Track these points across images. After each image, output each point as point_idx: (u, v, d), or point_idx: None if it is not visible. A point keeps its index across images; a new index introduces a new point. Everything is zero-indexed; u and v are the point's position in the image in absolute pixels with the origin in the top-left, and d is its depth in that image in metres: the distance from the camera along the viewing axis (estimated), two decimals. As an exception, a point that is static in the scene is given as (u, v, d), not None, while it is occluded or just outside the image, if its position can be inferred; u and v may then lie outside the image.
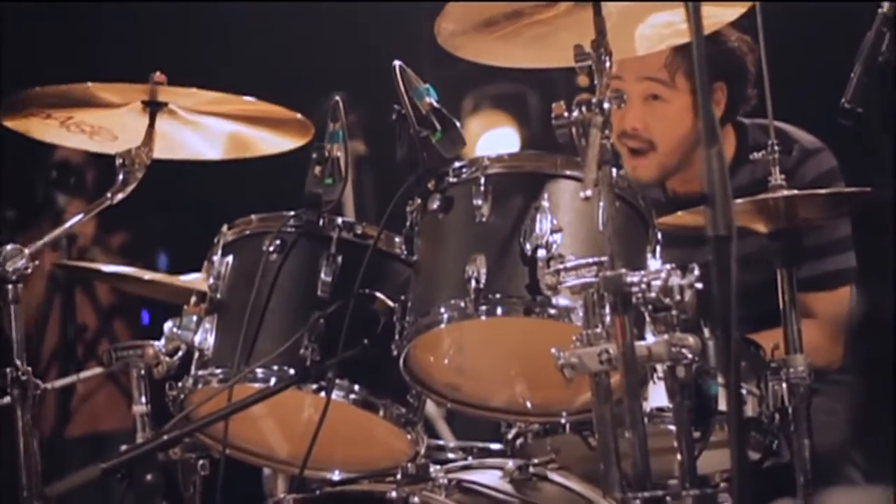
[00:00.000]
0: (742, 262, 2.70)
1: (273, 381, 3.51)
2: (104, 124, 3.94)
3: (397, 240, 3.55)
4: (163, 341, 3.71)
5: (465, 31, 3.50)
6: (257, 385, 3.53)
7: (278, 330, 3.55)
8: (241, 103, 3.85)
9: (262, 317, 3.56)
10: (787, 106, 3.88)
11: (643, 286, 3.11)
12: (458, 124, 3.50)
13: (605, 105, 3.17)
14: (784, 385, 3.63)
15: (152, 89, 3.82)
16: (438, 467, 3.58)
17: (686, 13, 2.78)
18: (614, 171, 3.20)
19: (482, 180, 3.40)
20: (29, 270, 3.73)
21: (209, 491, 3.79)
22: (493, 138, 7.05)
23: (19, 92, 3.83)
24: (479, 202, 3.38)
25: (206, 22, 6.45)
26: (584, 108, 3.18)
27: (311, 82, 5.83)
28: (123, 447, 3.50)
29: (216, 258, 3.69)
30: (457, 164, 3.45)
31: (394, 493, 3.42)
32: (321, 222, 3.60)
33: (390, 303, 3.51)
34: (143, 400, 3.84)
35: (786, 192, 3.65)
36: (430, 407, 4.44)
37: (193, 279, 3.78)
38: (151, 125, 3.86)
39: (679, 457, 3.17)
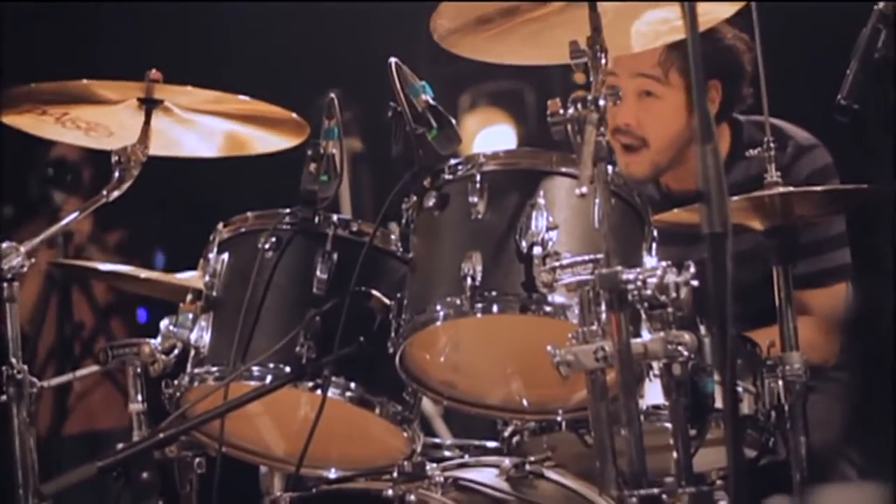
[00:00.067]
0: (738, 260, 2.70)
1: (269, 378, 3.51)
2: (100, 121, 3.94)
3: (393, 237, 3.55)
4: (159, 339, 3.71)
5: (461, 28, 3.50)
6: (253, 383, 3.53)
7: (274, 327, 3.55)
8: (236, 102, 3.85)
9: (257, 314, 3.56)
10: (782, 102, 3.88)
11: (639, 283, 3.11)
12: (453, 121, 3.50)
13: (601, 102, 3.17)
14: (780, 382, 3.64)
15: (148, 87, 3.82)
16: (435, 465, 3.57)
17: (681, 11, 2.78)
18: (610, 168, 3.20)
19: (478, 177, 3.40)
20: (25, 268, 3.72)
21: (205, 489, 3.79)
22: (490, 135, 7.05)
23: (15, 87, 3.83)
24: (475, 199, 3.38)
25: (203, 21, 6.45)
26: (579, 105, 3.18)
27: (307, 80, 5.82)
28: (120, 445, 3.50)
29: (212, 256, 3.69)
30: (453, 162, 3.45)
31: (390, 491, 3.42)
32: (317, 219, 3.60)
33: (386, 300, 3.51)
34: (140, 398, 3.84)
35: (781, 189, 3.65)
36: (428, 405, 4.45)
37: (190, 277, 3.78)
38: (147, 122, 3.86)
39: (675, 454, 3.17)
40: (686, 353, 3.12)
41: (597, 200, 3.19)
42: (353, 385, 3.53)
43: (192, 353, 3.63)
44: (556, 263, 3.22)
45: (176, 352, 3.69)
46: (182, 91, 3.83)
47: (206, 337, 3.62)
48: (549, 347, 3.16)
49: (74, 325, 6.49)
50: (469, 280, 3.31)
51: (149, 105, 3.86)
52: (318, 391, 3.50)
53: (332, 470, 3.74)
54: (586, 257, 3.18)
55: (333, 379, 3.50)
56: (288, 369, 3.51)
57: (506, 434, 3.74)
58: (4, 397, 3.72)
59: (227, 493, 3.59)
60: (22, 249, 3.73)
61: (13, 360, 3.70)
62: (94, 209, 3.88)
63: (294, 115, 3.85)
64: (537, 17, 3.45)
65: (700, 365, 3.31)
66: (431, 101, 3.49)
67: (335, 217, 3.61)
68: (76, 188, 6.43)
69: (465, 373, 3.56)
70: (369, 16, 6.47)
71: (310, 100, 3.95)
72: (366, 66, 3.99)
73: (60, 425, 6.43)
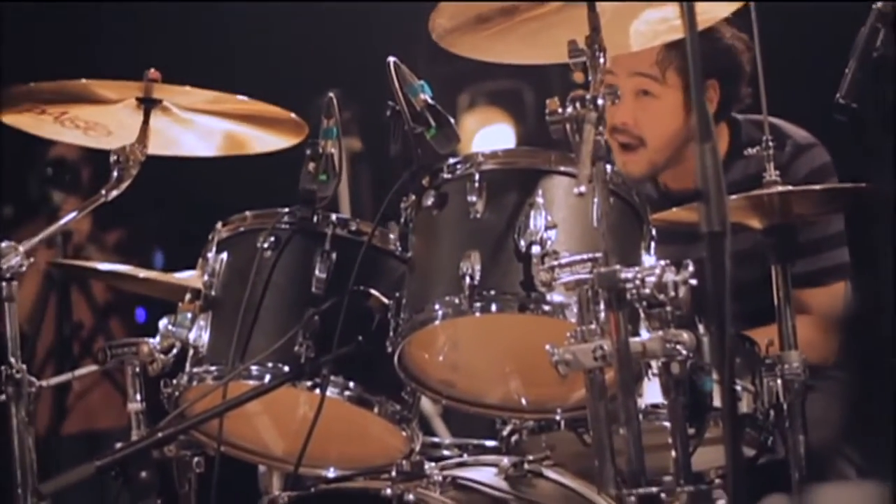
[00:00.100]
0: (736, 259, 2.69)
1: (267, 378, 3.51)
2: (99, 120, 3.94)
3: (392, 236, 3.55)
4: (158, 339, 3.71)
5: (459, 27, 3.50)
6: (252, 382, 3.53)
7: (273, 327, 3.55)
8: (235, 102, 3.85)
9: (256, 314, 3.56)
10: (781, 101, 3.88)
11: (637, 282, 3.11)
12: (452, 121, 3.50)
13: (600, 101, 3.17)
14: (779, 381, 3.64)
15: (147, 86, 3.83)
16: (433, 464, 3.57)
17: (680, 10, 2.78)
18: (609, 167, 3.20)
19: (476, 177, 3.39)
20: (24, 268, 3.73)
21: (204, 488, 3.79)
22: (489, 134, 7.05)
23: (14, 87, 3.83)
24: (474, 198, 3.38)
25: (202, 21, 6.45)
26: (578, 105, 3.18)
27: (306, 79, 5.82)
28: (118, 444, 3.50)
29: (211, 255, 3.69)
30: (451, 161, 3.45)
31: (389, 491, 3.41)
32: (315, 219, 3.60)
33: (385, 299, 3.51)
34: (138, 397, 3.84)
35: (780, 188, 3.65)
36: (427, 404, 4.45)
37: (188, 276, 3.77)
38: (146, 122, 3.86)
39: (674, 453, 3.17)
40: (685, 352, 3.12)
41: (595, 199, 3.19)
42: (351, 384, 3.53)
43: (191, 352, 3.63)
44: (555, 262, 3.22)
45: (175, 351, 3.69)
46: (181, 91, 3.83)
47: (205, 336, 3.62)
48: (547, 346, 3.16)
49: (73, 325, 6.49)
50: (468, 279, 3.31)
51: (147, 104, 3.87)
52: (317, 390, 3.50)
53: (331, 469, 3.74)
54: (585, 256, 3.18)
55: (332, 378, 3.50)
56: (287, 368, 3.51)
57: (504, 433, 3.74)
58: (3, 397, 3.72)
59: (226, 492, 3.59)
60: (21, 249, 3.73)
61: (12, 360, 3.70)
62: (92, 209, 3.88)
63: (293, 114, 3.85)
64: (536, 16, 3.45)
65: (699, 364, 3.31)
66: (430, 101, 3.49)
67: (334, 216, 3.60)
68: (75, 188, 6.43)
69: (464, 372, 3.56)
70: (368, 15, 6.47)
71: (308, 99, 3.95)
72: (364, 65, 3.99)
73: (59, 425, 6.43)
